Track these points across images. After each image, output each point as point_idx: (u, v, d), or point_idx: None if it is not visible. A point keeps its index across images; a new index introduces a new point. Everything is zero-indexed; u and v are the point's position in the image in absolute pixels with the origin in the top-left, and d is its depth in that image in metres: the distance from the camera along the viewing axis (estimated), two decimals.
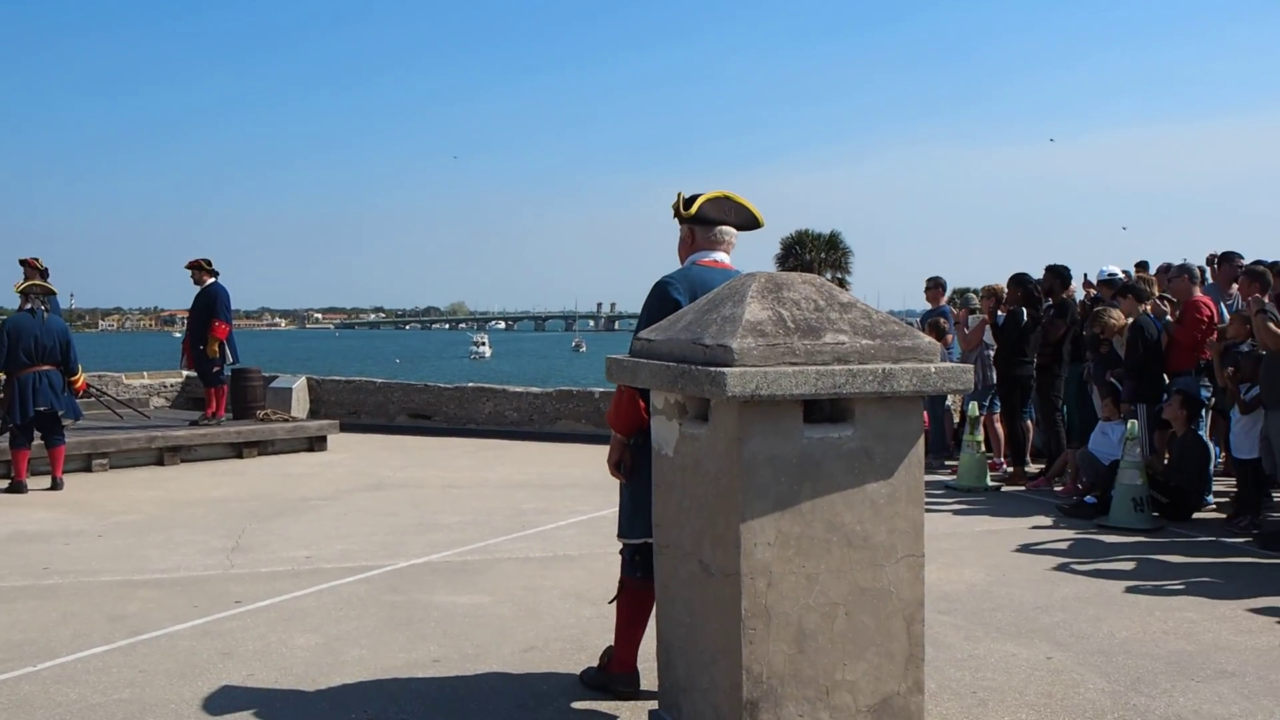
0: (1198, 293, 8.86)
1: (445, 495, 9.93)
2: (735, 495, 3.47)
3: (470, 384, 15.99)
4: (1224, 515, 8.52)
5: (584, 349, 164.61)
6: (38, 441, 10.13)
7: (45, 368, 10.01)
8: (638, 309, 4.69)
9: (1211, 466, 8.94)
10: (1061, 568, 7.04)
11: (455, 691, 4.76)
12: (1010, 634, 5.55)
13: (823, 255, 54.04)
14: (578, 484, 10.48)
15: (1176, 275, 8.96)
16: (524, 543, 7.85)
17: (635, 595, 4.48)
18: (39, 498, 9.69)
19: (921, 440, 3.72)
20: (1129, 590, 6.44)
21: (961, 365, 3.72)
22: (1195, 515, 8.60)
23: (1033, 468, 10.77)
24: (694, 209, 4.53)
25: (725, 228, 4.59)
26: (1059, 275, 10.12)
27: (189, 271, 12.84)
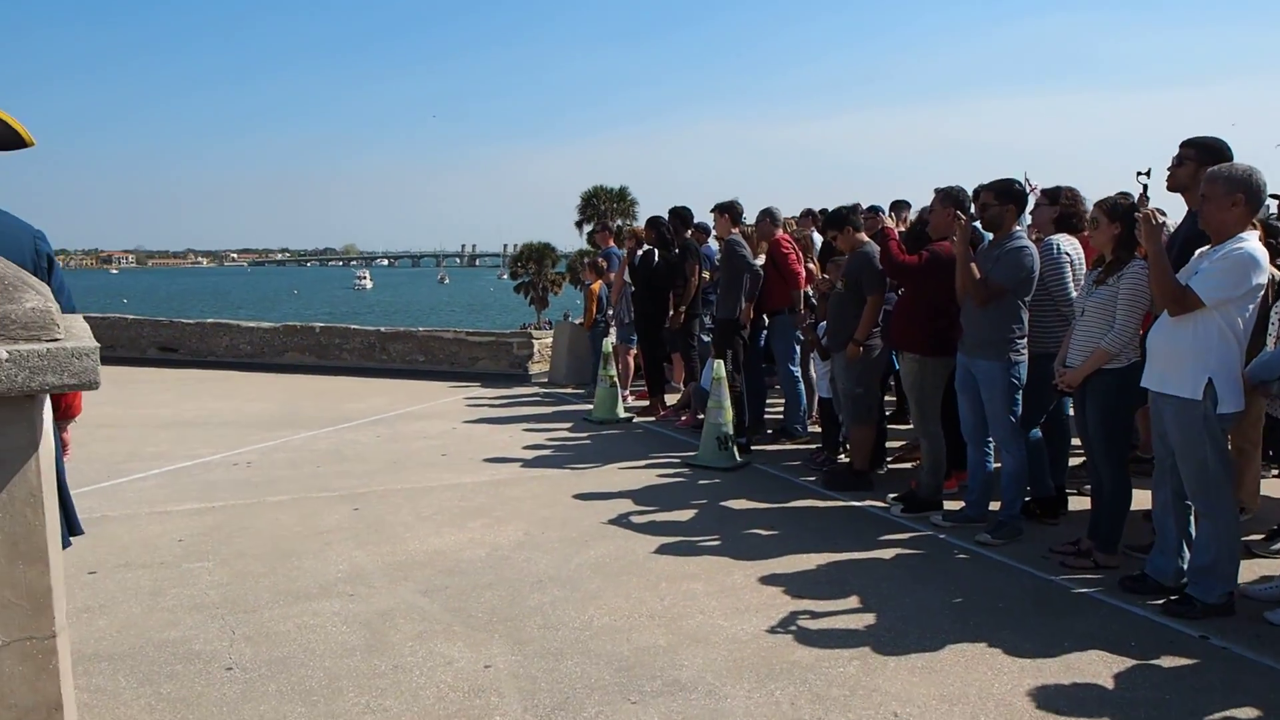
0: (779, 233, 7.30)
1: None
2: None
3: (210, 320, 14.02)
4: (813, 448, 7.15)
5: (446, 281, 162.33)
6: None
7: None
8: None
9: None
10: (615, 520, 5.43)
11: None
12: (477, 627, 3.87)
13: (614, 205, 54.79)
14: (236, 421, 8.47)
15: (760, 219, 7.34)
16: None
17: None
18: None
19: (35, 462, 1.87)
20: (658, 550, 4.87)
21: (84, 348, 1.87)
22: (795, 446, 7.26)
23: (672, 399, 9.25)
24: None
25: None
26: (680, 217, 8.39)
27: None
